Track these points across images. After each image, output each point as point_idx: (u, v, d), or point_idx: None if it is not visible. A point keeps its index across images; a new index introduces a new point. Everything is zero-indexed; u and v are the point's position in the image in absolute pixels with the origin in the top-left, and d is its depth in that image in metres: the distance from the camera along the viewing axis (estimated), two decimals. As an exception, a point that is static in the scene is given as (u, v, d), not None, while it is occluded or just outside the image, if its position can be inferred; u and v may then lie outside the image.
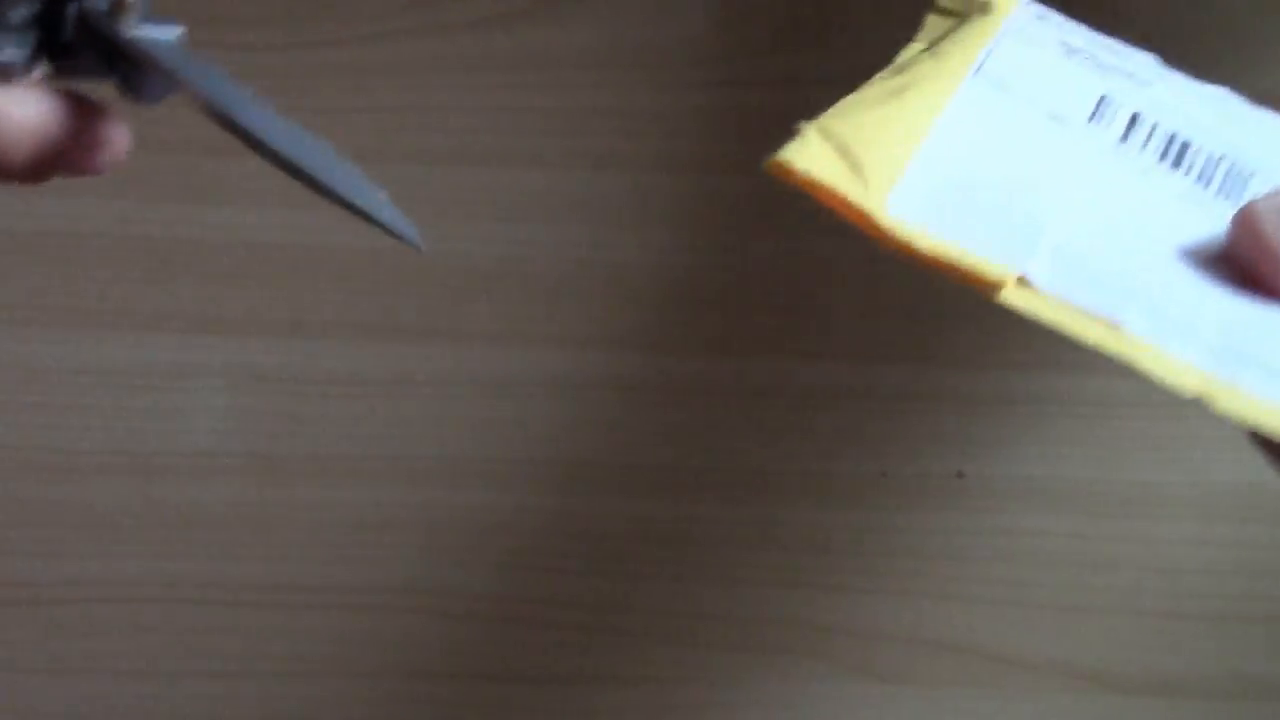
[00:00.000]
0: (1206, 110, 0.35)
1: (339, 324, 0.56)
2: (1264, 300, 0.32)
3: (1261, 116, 0.37)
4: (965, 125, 0.33)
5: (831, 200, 0.31)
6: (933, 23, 0.37)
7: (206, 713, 0.54)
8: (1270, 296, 0.32)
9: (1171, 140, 0.34)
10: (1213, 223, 0.33)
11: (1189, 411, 0.58)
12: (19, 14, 0.30)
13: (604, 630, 0.55)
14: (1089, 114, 0.34)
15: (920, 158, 0.32)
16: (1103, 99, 0.34)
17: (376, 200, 0.33)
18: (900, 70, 0.34)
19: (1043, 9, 0.37)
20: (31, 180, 0.31)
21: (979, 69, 0.34)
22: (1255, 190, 0.33)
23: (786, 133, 0.56)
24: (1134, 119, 0.34)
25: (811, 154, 0.31)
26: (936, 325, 0.56)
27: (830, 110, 0.32)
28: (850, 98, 0.32)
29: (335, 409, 0.56)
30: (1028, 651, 0.55)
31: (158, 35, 0.32)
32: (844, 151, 0.31)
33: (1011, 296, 0.30)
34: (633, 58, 0.57)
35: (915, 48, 0.35)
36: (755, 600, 0.55)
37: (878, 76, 0.34)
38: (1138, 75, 0.35)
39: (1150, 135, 0.34)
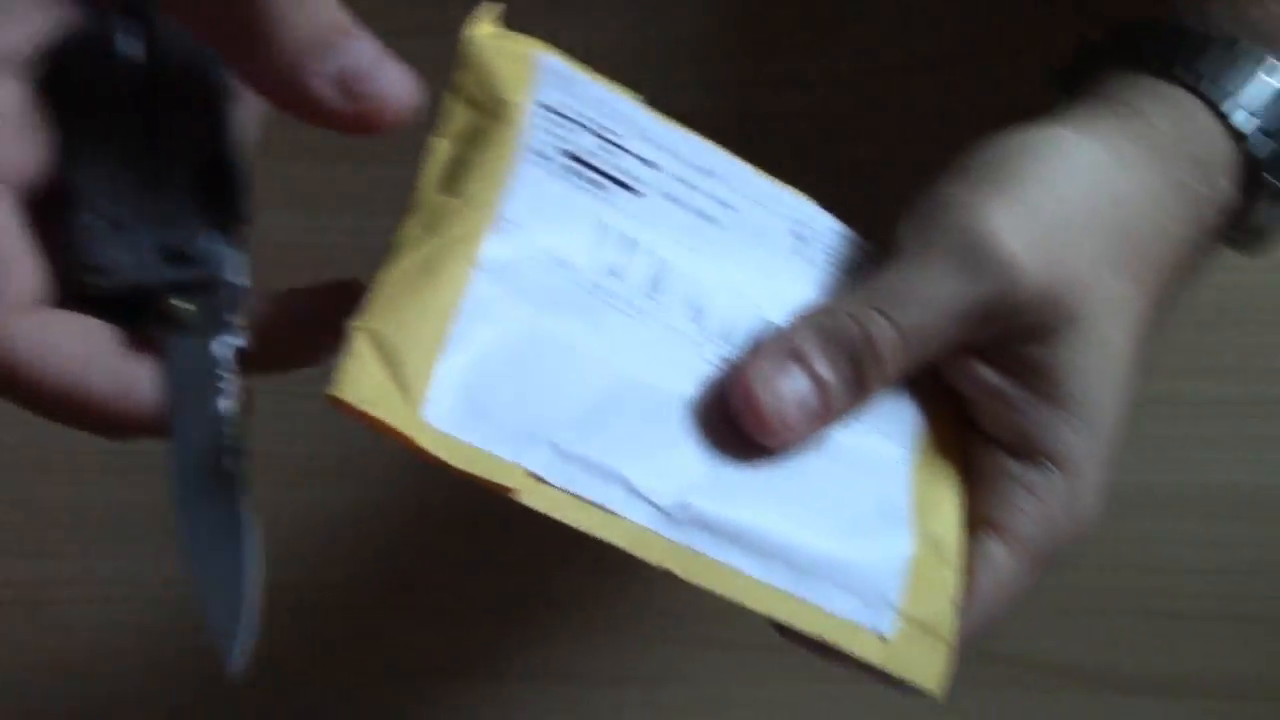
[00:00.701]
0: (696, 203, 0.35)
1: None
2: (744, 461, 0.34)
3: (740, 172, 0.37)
4: (486, 300, 0.32)
5: (377, 427, 0.31)
6: (455, 113, 0.35)
7: (206, 713, 0.54)
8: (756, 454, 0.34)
9: (658, 276, 0.34)
10: (703, 366, 0.34)
11: (1189, 412, 0.58)
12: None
13: (603, 630, 0.55)
14: (590, 251, 0.33)
15: (448, 351, 0.31)
16: (601, 227, 0.34)
17: (215, 621, 0.33)
18: (429, 225, 0.33)
19: (558, 88, 0.36)
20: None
21: (498, 221, 0.33)
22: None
23: (786, 133, 0.56)
24: (629, 245, 0.34)
25: (363, 378, 0.31)
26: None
27: (376, 301, 0.31)
28: (390, 277, 0.31)
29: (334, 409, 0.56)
30: (1028, 651, 0.55)
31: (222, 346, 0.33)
32: (390, 360, 0.31)
33: (527, 498, 0.32)
34: (633, 58, 0.57)
35: (436, 164, 0.34)
36: (755, 600, 0.55)
37: (408, 231, 0.33)
38: (631, 173, 0.35)
39: (637, 265, 0.34)
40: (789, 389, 0.34)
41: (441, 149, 0.34)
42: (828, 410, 0.34)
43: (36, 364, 0.31)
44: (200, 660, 0.54)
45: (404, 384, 0.31)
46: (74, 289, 0.32)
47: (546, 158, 0.34)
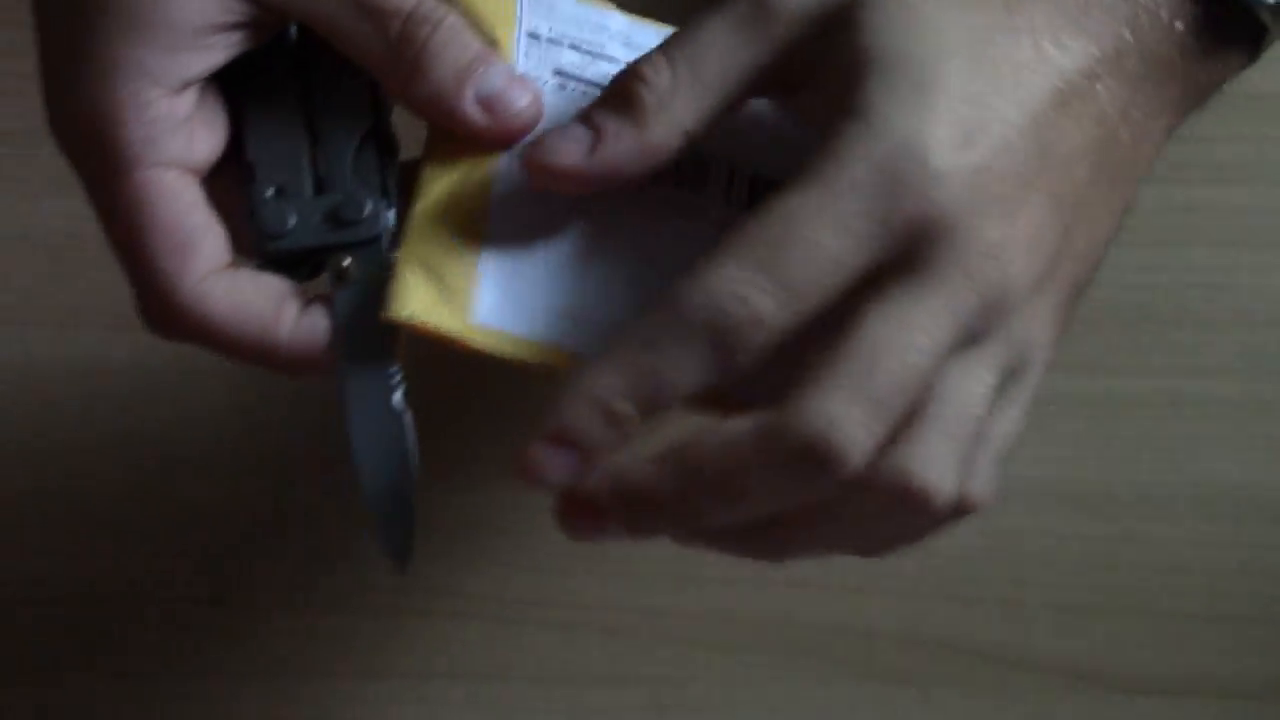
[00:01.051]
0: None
1: (339, 324, 0.56)
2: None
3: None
4: (509, 208, 0.37)
5: (432, 336, 0.36)
6: None
7: (206, 713, 0.54)
8: None
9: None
10: None
11: (1189, 411, 0.58)
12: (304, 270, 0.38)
13: (603, 630, 0.55)
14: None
15: (482, 257, 0.37)
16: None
17: (386, 530, 0.39)
18: (446, 157, 0.37)
19: (539, 14, 0.39)
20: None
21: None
22: None
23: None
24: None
25: (413, 296, 0.36)
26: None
27: (414, 228, 0.36)
28: (422, 207, 0.36)
29: (335, 409, 0.55)
30: (1028, 651, 0.55)
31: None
32: (435, 276, 0.36)
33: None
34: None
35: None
36: (755, 600, 0.55)
37: (428, 164, 0.37)
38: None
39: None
40: (566, 134, 0.36)
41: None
42: (601, 144, 0.35)
43: (230, 316, 0.37)
44: (200, 660, 0.54)
45: (450, 294, 0.36)
46: (254, 252, 0.38)
47: (540, 80, 0.38)
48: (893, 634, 0.55)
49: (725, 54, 0.35)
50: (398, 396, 0.38)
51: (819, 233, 0.33)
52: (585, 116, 0.36)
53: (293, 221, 0.37)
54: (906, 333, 0.33)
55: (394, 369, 0.38)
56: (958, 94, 0.34)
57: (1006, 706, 0.54)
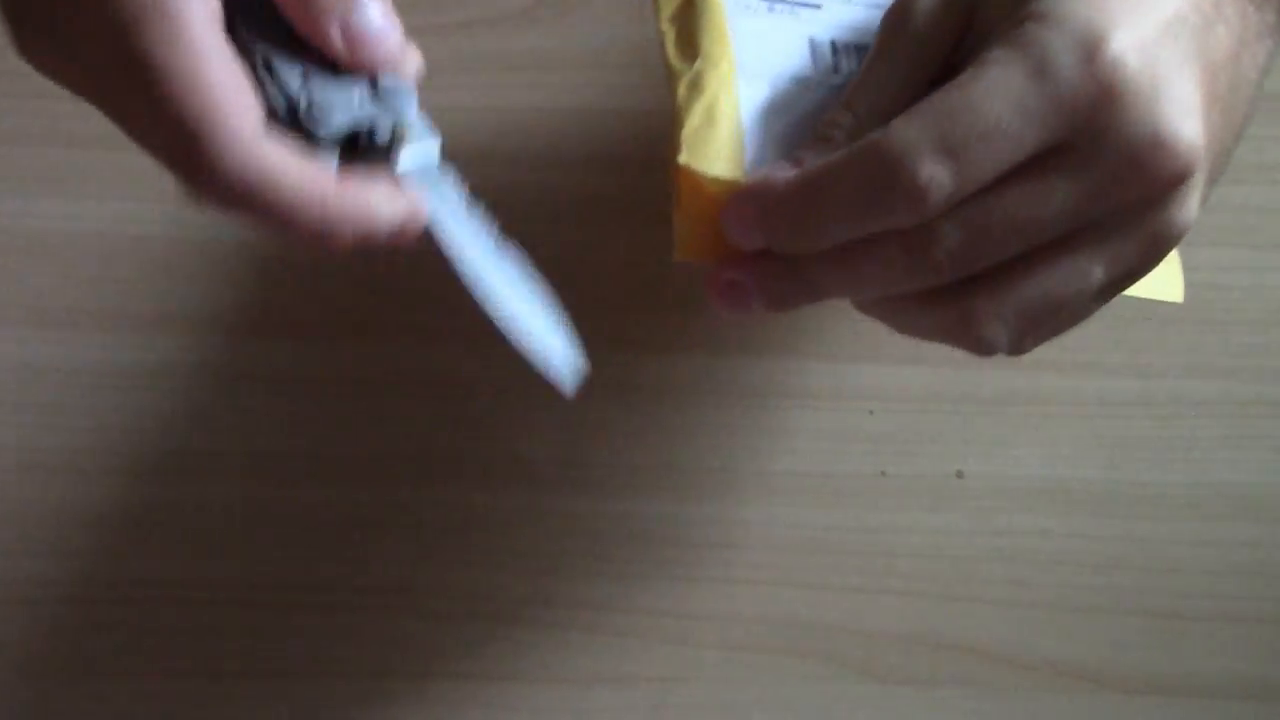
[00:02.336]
0: None
1: (339, 324, 0.56)
2: None
3: None
4: (756, 117, 0.42)
5: (711, 189, 0.40)
6: (664, 1, 0.44)
7: (206, 713, 0.54)
8: None
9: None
10: None
11: (1189, 411, 0.58)
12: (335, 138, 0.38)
13: (604, 630, 0.55)
14: (811, 62, 0.43)
15: (747, 157, 0.41)
16: (810, 41, 0.44)
17: (539, 344, 0.40)
18: (693, 86, 0.42)
19: None
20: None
21: (739, 66, 0.42)
22: None
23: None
24: (833, 48, 0.44)
25: (705, 154, 0.40)
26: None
27: (688, 143, 0.41)
28: (687, 131, 0.41)
29: (335, 409, 0.56)
30: (1028, 651, 0.55)
31: (418, 153, 0.39)
32: (715, 162, 0.41)
33: None
34: (632, 58, 0.57)
35: (670, 43, 0.43)
36: (755, 600, 0.55)
37: (680, 96, 0.42)
38: None
39: (844, 62, 0.44)
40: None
41: (669, 30, 0.43)
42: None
43: (292, 173, 0.36)
44: (200, 660, 0.54)
45: (730, 166, 0.41)
46: (292, 128, 0.38)
47: (747, 6, 0.43)
48: (893, 634, 0.55)
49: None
50: (495, 232, 0.40)
51: (997, 107, 0.36)
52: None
53: (330, 98, 0.38)
54: (1044, 185, 0.37)
55: (478, 210, 0.40)
56: (1117, 5, 0.37)
57: (1006, 706, 0.55)
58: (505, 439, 0.56)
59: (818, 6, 0.44)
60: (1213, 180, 0.40)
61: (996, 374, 0.56)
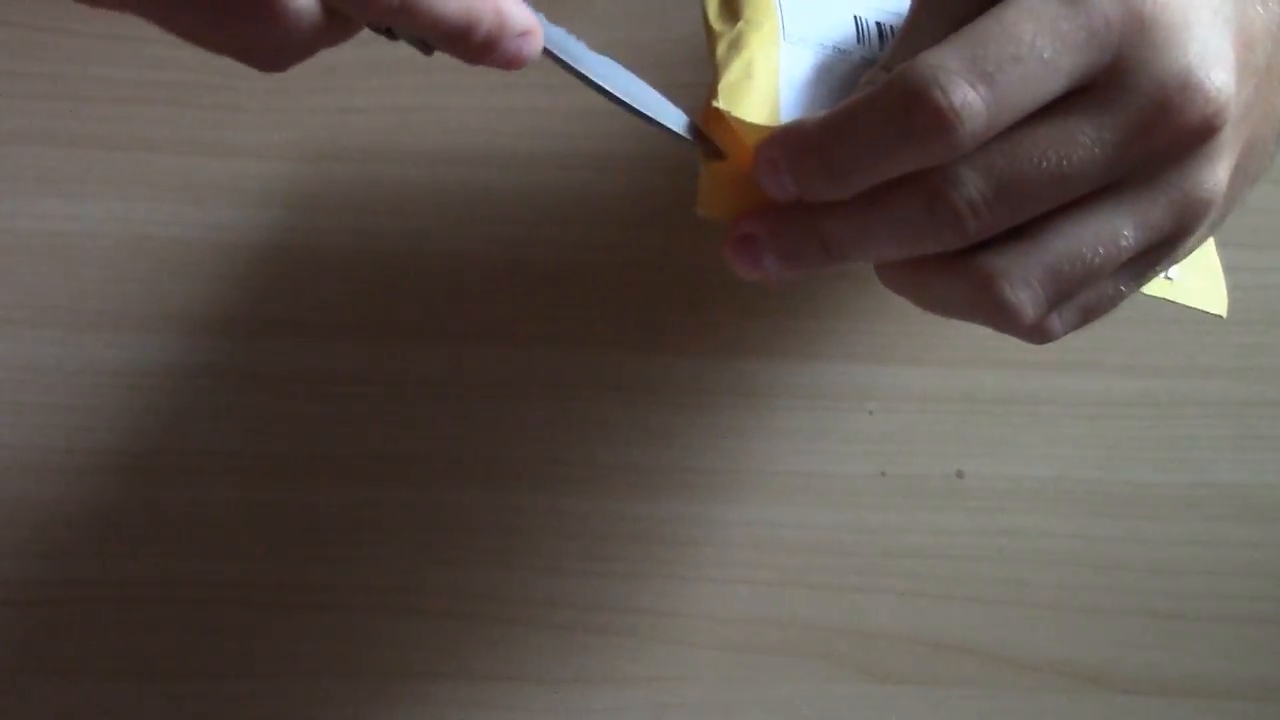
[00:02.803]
0: None
1: (339, 323, 0.56)
2: None
3: None
4: (792, 80, 0.41)
5: (747, 136, 0.39)
6: None
7: (206, 713, 0.54)
8: None
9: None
10: None
11: (1189, 411, 0.58)
12: None
13: (604, 630, 0.55)
14: (854, 39, 0.43)
15: (780, 109, 0.41)
16: (854, 18, 0.43)
17: (661, 115, 0.41)
18: (734, 45, 0.41)
19: None
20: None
21: (782, 30, 0.42)
22: None
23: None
24: (878, 30, 0.44)
25: (740, 101, 0.40)
26: (936, 325, 0.56)
27: (725, 90, 0.40)
28: (726, 81, 0.40)
29: (335, 409, 0.56)
30: (1028, 651, 0.55)
31: None
32: (750, 111, 0.40)
33: None
34: (633, 58, 0.57)
35: (713, 5, 0.43)
36: (755, 600, 0.55)
37: (720, 52, 0.42)
38: None
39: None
40: None
41: None
42: None
43: None
44: (200, 660, 0.54)
45: (765, 117, 0.40)
46: None
47: None
48: (893, 634, 0.55)
49: None
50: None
51: (1029, 29, 0.35)
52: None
53: None
54: (1072, 126, 0.35)
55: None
56: None
57: (1006, 706, 0.55)
58: (505, 439, 0.56)
59: None
60: (1247, 171, 0.39)
61: (996, 374, 0.56)
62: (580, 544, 0.55)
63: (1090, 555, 0.56)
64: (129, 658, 0.54)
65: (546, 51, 0.40)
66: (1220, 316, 0.44)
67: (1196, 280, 0.44)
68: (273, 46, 0.37)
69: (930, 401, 0.56)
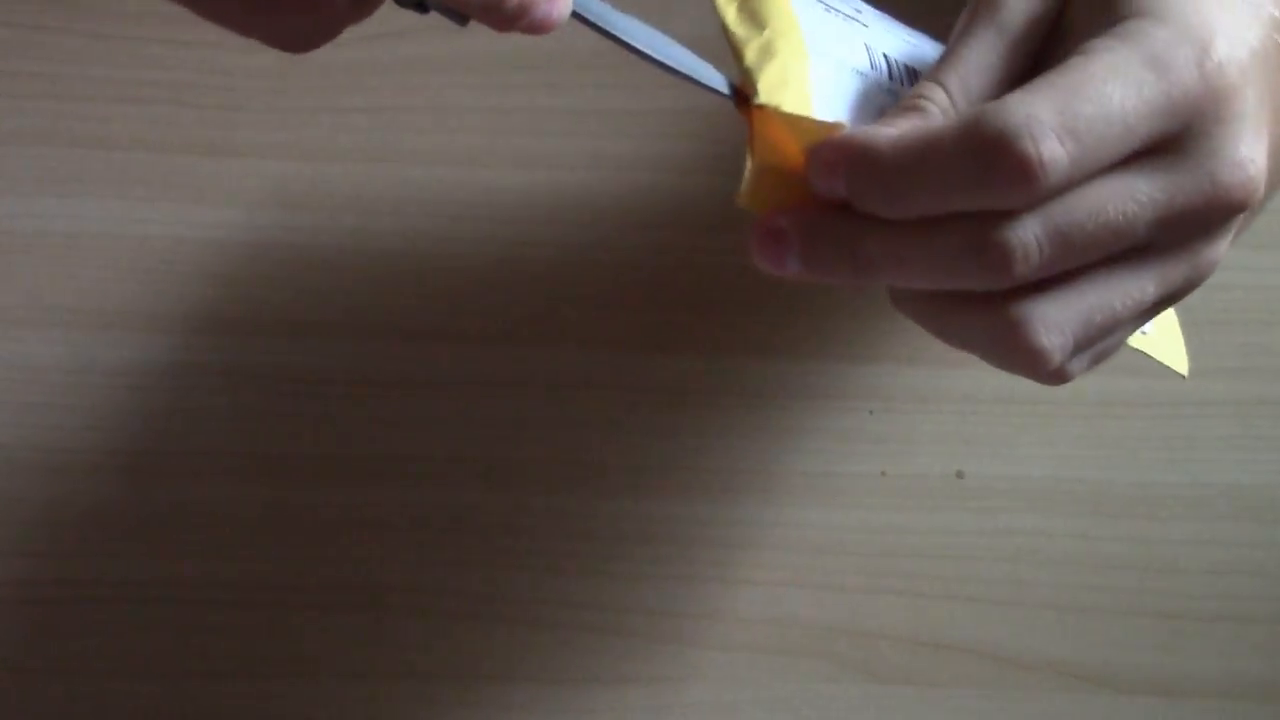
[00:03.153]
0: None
1: (339, 324, 0.56)
2: None
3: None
4: (822, 92, 0.41)
5: (796, 128, 0.39)
6: None
7: (206, 713, 0.54)
8: None
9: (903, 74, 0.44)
10: None
11: (1189, 411, 0.58)
12: None
13: (604, 630, 0.55)
14: (870, 65, 0.43)
15: (814, 102, 0.41)
16: (864, 47, 0.44)
17: (695, 72, 0.41)
18: (764, 51, 0.41)
19: None
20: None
21: (809, 43, 0.42)
22: None
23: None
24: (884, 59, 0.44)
25: (779, 95, 0.40)
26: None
27: (764, 90, 0.40)
28: (763, 84, 0.40)
29: (335, 409, 0.56)
30: (1028, 651, 0.55)
31: None
32: (790, 110, 0.40)
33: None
34: (633, 58, 0.57)
35: (731, 14, 0.43)
36: (755, 600, 0.55)
37: (749, 58, 0.41)
38: (852, 7, 0.45)
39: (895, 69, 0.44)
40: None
41: (731, 7, 0.43)
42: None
43: None
44: (200, 660, 0.54)
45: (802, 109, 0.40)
46: None
47: (805, 2, 0.43)
48: (893, 634, 0.55)
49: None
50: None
51: (1116, 90, 0.36)
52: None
53: None
54: (1132, 184, 0.36)
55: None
56: (1217, 15, 0.37)
57: (1006, 706, 0.55)
58: (505, 439, 0.56)
59: (865, 26, 0.44)
60: (1240, 230, 0.40)
61: (996, 374, 0.56)
62: (581, 544, 0.55)
63: (1090, 555, 0.56)
64: (128, 658, 0.54)
65: (576, 14, 0.40)
66: (1183, 376, 0.46)
67: (1163, 337, 0.46)
68: (308, 30, 0.38)
69: (930, 401, 0.56)
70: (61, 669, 0.54)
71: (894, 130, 0.37)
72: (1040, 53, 0.39)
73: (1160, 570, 0.56)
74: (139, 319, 0.56)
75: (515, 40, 0.58)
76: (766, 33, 0.42)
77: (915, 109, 0.39)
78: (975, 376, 0.56)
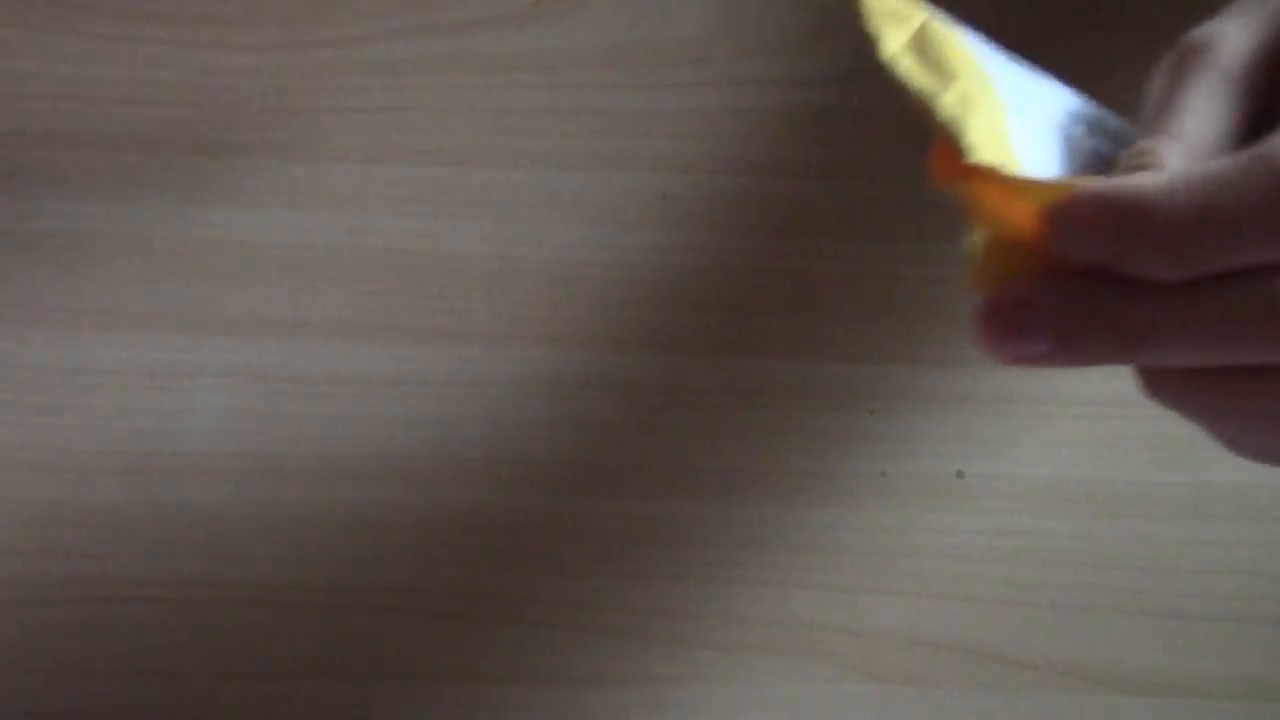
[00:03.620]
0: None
1: (339, 324, 0.56)
2: None
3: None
4: (1022, 143, 0.38)
5: (1023, 190, 0.36)
6: (887, 33, 0.40)
7: (207, 713, 0.54)
8: None
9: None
10: None
11: (1189, 411, 0.57)
12: None
13: (604, 630, 0.55)
14: (1054, 120, 0.40)
15: (1019, 157, 0.37)
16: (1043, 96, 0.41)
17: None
18: (964, 101, 0.37)
19: None
20: None
21: (999, 91, 0.39)
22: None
23: (786, 133, 0.56)
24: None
25: (1000, 156, 0.36)
26: (936, 325, 0.56)
27: (975, 148, 0.36)
28: (973, 140, 0.36)
29: (335, 409, 0.56)
30: (1028, 651, 0.55)
31: None
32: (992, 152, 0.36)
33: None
34: (633, 58, 0.57)
35: (912, 66, 0.39)
36: (755, 600, 0.55)
37: (950, 109, 0.37)
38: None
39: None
40: None
41: (906, 56, 0.39)
42: None
43: None
44: (201, 660, 0.54)
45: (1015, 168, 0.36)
46: None
47: (985, 53, 0.40)
48: (893, 634, 0.55)
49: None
50: None
51: None
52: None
53: None
54: None
55: None
56: None
57: (1006, 706, 0.55)
58: (505, 439, 0.56)
59: (1038, 75, 0.41)
60: None
61: (996, 374, 0.56)
62: (581, 544, 0.55)
63: (1090, 555, 0.56)
64: (129, 658, 0.54)
65: None
66: None
67: None
68: None
69: (930, 401, 0.56)
70: (61, 669, 0.54)
71: (1163, 179, 0.33)
72: (1273, 88, 0.36)
73: (1160, 570, 0.56)
74: (139, 319, 0.56)
75: (515, 40, 0.58)
76: (960, 82, 0.37)
77: (1138, 168, 0.35)
78: (975, 376, 0.56)
